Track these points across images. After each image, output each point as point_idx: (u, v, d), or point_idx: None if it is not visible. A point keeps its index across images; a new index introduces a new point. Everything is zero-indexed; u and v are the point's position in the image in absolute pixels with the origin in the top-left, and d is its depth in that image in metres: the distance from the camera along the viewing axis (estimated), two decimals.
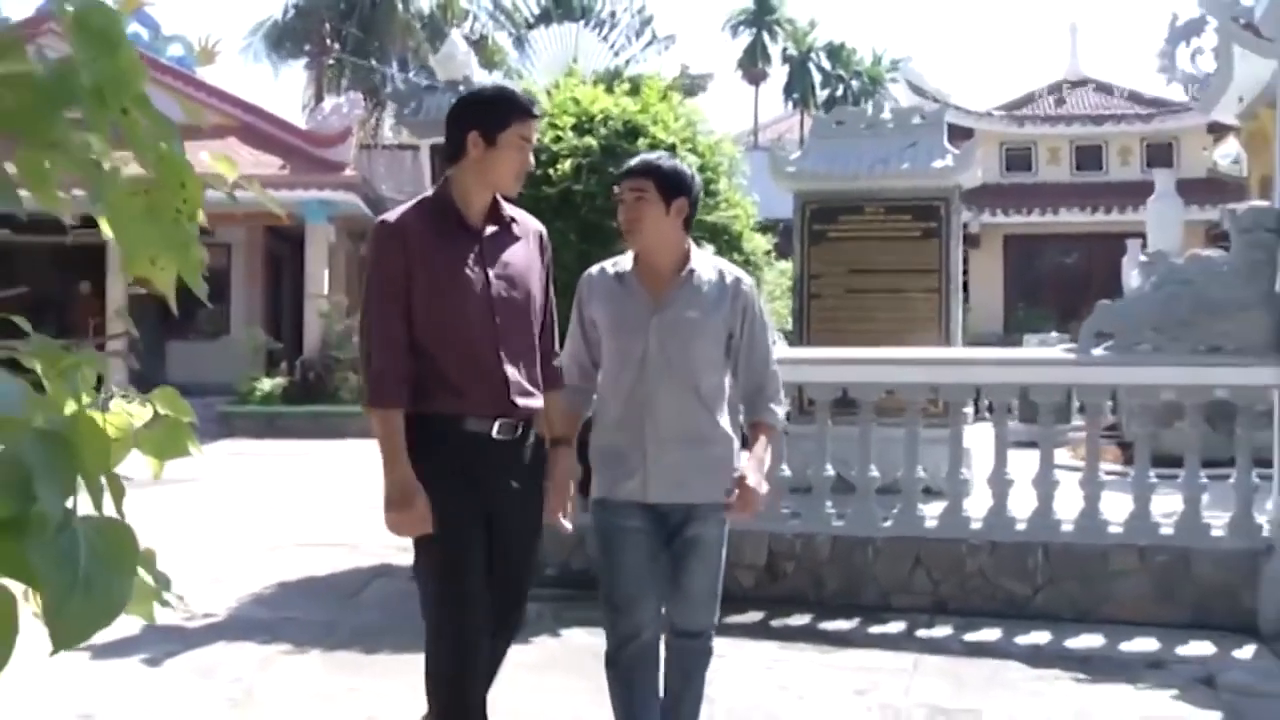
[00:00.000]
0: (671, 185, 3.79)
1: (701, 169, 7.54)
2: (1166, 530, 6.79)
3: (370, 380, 3.50)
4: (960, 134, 27.07)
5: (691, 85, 38.75)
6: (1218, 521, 6.82)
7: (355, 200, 21.57)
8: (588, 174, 7.35)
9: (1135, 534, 6.75)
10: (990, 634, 6.40)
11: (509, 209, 3.72)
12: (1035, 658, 5.96)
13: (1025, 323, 24.54)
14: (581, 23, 37.61)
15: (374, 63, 35.03)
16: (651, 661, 3.95)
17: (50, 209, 1.18)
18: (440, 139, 7.46)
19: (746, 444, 3.95)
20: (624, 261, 3.94)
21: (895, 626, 6.52)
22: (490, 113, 3.56)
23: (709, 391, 3.84)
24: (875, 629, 6.47)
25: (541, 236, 3.82)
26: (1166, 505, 6.92)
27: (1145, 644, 6.19)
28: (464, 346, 3.50)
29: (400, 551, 8.09)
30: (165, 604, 1.44)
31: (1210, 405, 7.10)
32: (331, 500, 11.61)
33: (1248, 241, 6.67)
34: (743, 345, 3.90)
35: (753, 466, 3.80)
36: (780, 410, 4.01)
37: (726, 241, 7.59)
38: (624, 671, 3.96)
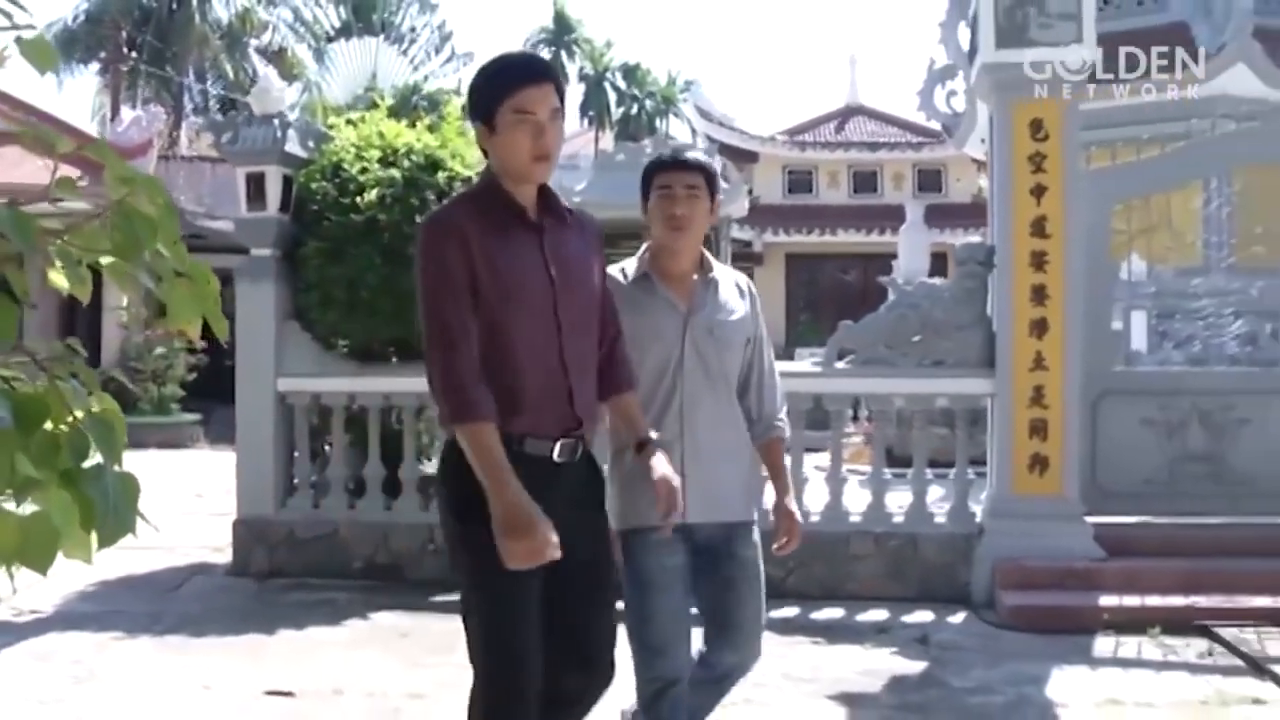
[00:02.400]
0: (715, 183, 3.64)
1: None
2: (898, 519, 7.87)
3: (451, 394, 3.01)
4: (745, 157, 28.55)
5: None
6: (940, 511, 7.94)
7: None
8: (392, 203, 8.05)
9: (872, 522, 7.80)
10: None
11: (563, 201, 3.31)
12: (785, 628, 6.86)
13: (805, 336, 25.91)
14: (381, 37, 37.81)
15: (169, 71, 34.60)
16: (684, 705, 3.61)
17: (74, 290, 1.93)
18: (255, 168, 8.19)
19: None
20: (632, 265, 3.66)
21: None
22: (481, 97, 3.15)
23: (737, 401, 3.68)
24: None
25: (599, 231, 3.40)
26: (904, 498, 8.00)
27: (877, 614, 7.22)
28: (527, 356, 3.10)
29: (214, 551, 8.74)
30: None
31: (956, 412, 8.17)
32: (140, 507, 11.95)
33: (963, 272, 7.81)
34: (756, 353, 3.72)
35: (790, 494, 3.70)
36: (787, 423, 3.88)
37: None
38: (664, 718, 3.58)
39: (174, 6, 35.78)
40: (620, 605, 3.45)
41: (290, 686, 5.62)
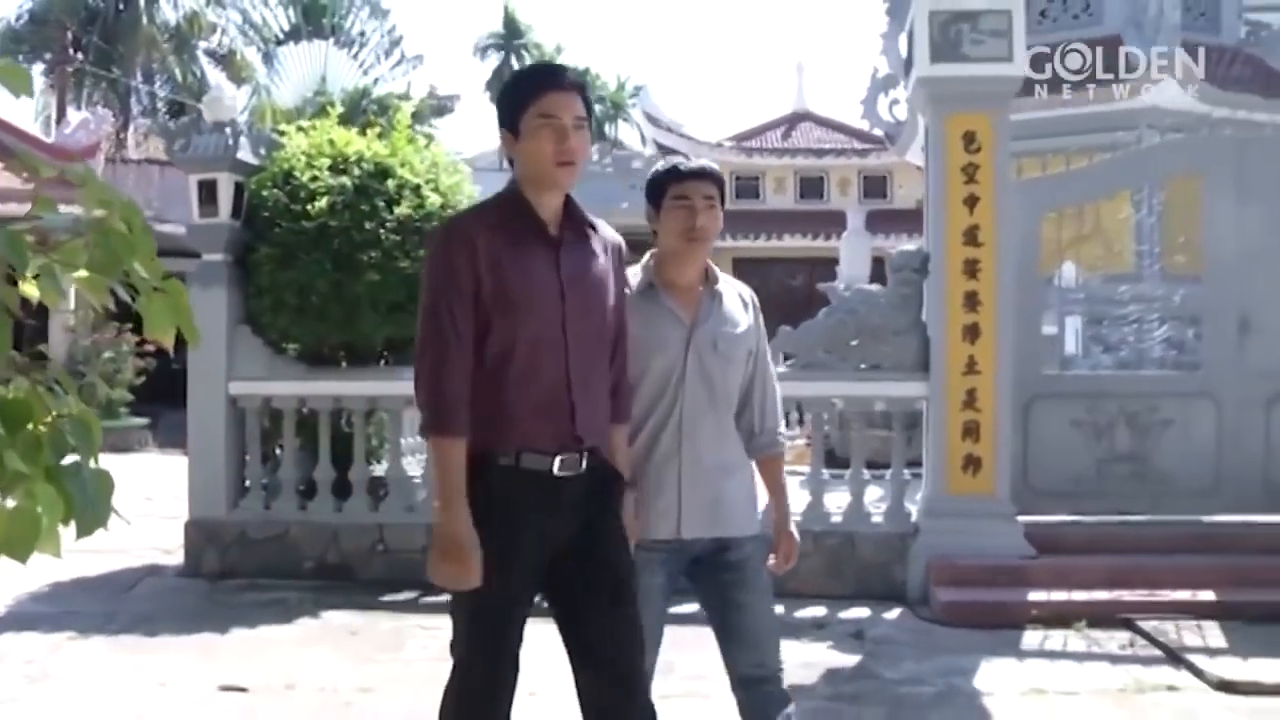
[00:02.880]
0: (723, 192, 3.59)
1: (443, 207, 8.55)
2: (837, 519, 8.11)
3: (432, 405, 3.04)
4: None
5: (439, 106, 39.35)
6: (877, 511, 8.20)
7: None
8: (342, 210, 8.20)
9: (811, 522, 8.01)
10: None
11: (588, 216, 3.29)
12: None
13: None
14: (331, 41, 37.70)
15: (116, 73, 34.38)
16: None
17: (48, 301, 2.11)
18: (207, 175, 8.31)
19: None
20: (636, 274, 3.56)
21: None
22: (507, 103, 3.16)
23: (736, 415, 3.61)
24: None
25: (620, 250, 3.37)
26: (843, 499, 8.23)
27: (815, 611, 7.44)
28: (529, 369, 3.08)
29: (165, 553, 8.85)
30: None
31: (893, 415, 8.41)
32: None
33: (899, 279, 8.06)
34: (758, 366, 3.65)
35: (787, 512, 3.67)
36: (784, 438, 3.81)
37: None
38: None
39: (120, 7, 35.50)
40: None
41: (244, 682, 5.77)
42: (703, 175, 3.52)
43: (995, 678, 6.01)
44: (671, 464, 3.43)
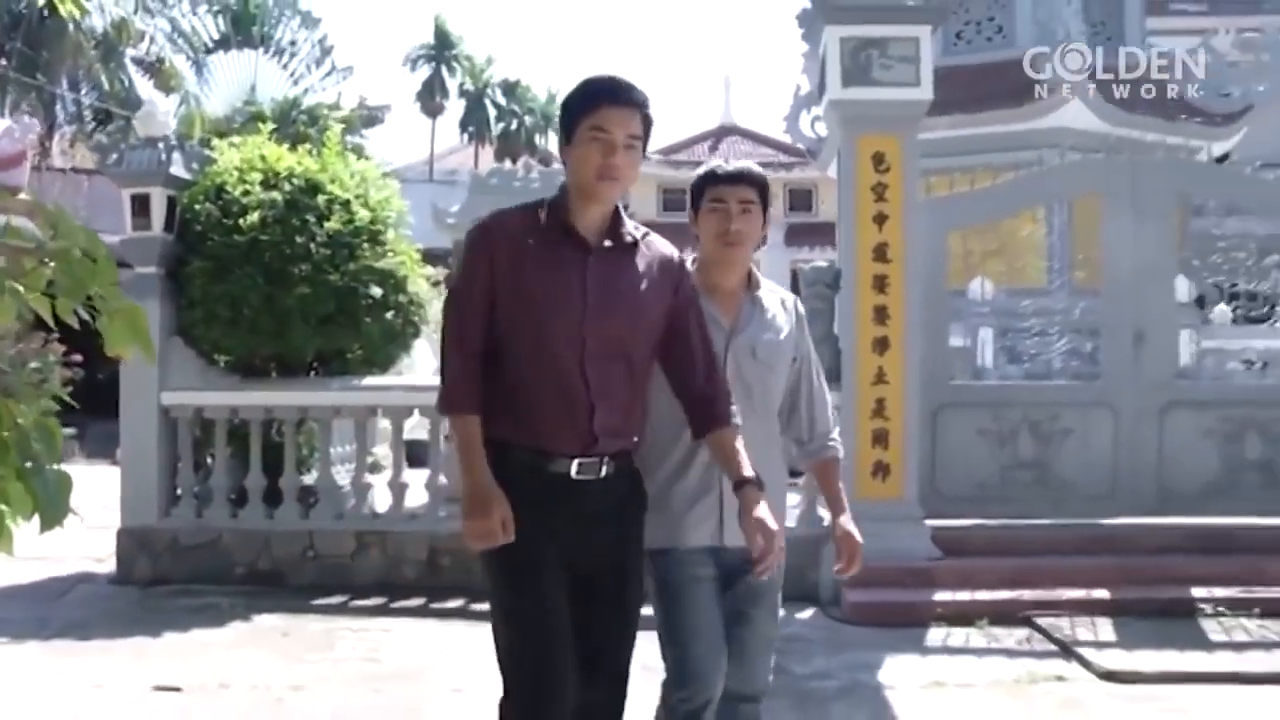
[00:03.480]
0: (766, 197, 3.54)
1: (372, 222, 8.80)
2: None
3: (442, 388, 3.16)
4: None
5: (370, 116, 39.39)
6: (791, 516, 8.51)
7: (31, 226, 21.47)
8: (273, 224, 8.43)
9: None
10: None
11: (639, 229, 3.29)
12: (645, 624, 7.36)
13: None
14: (261, 50, 37.59)
15: (41, 80, 34.05)
16: None
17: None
18: (140, 189, 8.48)
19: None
20: None
21: None
22: (565, 111, 3.19)
23: (778, 422, 3.57)
24: None
25: (675, 262, 3.31)
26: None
27: None
28: (544, 371, 3.10)
29: (96, 561, 8.99)
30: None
31: None
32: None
33: (811, 293, 8.38)
34: (804, 372, 3.58)
35: (847, 514, 3.56)
36: (840, 442, 3.69)
37: (393, 284, 8.84)
38: None
39: (45, 14, 35.18)
40: (649, 627, 3.38)
41: (178, 682, 5.97)
42: (739, 179, 3.48)
43: (898, 672, 6.34)
44: (713, 471, 3.35)
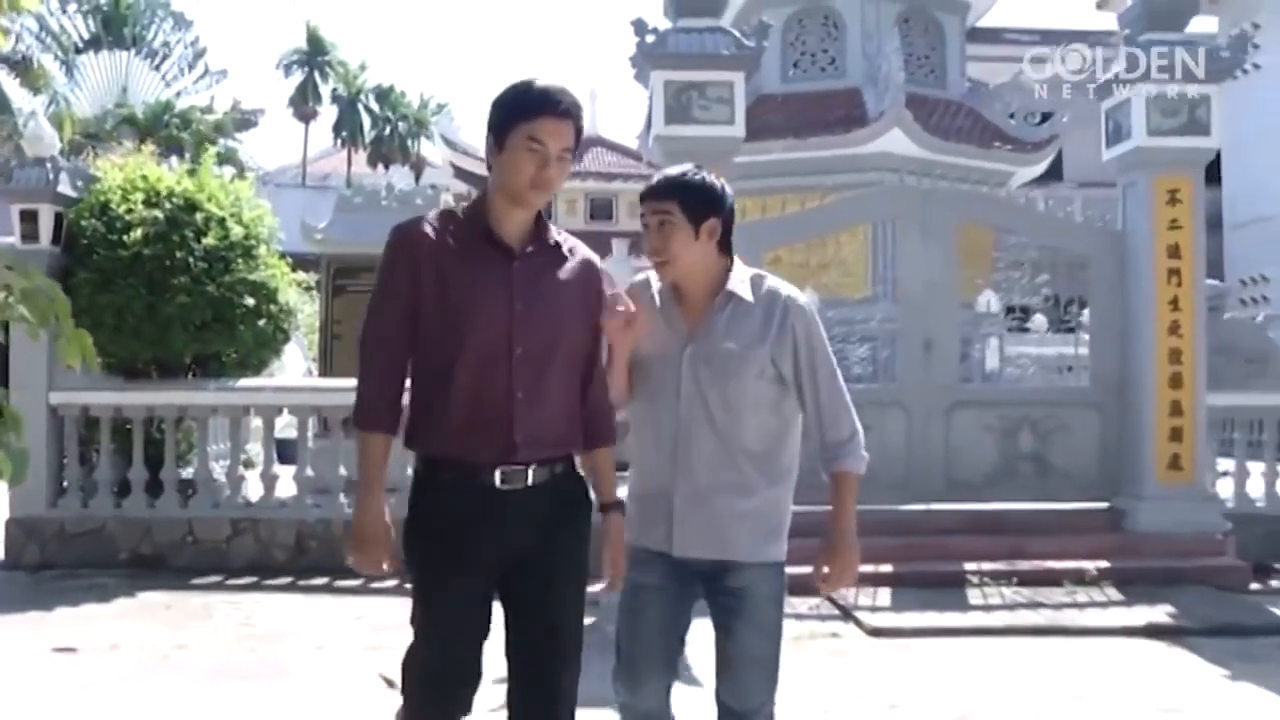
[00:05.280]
0: (699, 204, 3.30)
1: (246, 238, 9.70)
2: None
3: (358, 399, 3.12)
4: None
5: (243, 120, 39.63)
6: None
7: None
8: (155, 239, 9.30)
9: None
10: None
11: (562, 235, 3.25)
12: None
13: None
14: (133, 51, 37.65)
15: None
16: None
17: None
18: (29, 206, 9.25)
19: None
20: (654, 281, 3.46)
21: (391, 582, 8.78)
22: (498, 113, 3.12)
23: (756, 434, 3.36)
24: (375, 584, 8.70)
25: (595, 269, 3.28)
26: None
27: None
28: (471, 381, 3.04)
29: None
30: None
31: None
32: None
33: None
34: (802, 377, 3.37)
35: (839, 531, 3.58)
36: (861, 450, 3.58)
37: (265, 295, 9.75)
38: None
39: None
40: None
41: (74, 645, 6.83)
42: (652, 194, 3.35)
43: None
44: (666, 479, 3.33)
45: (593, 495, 3.31)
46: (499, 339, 3.06)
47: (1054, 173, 20.45)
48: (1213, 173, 29.04)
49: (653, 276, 3.44)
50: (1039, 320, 17.07)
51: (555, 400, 3.15)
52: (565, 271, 3.21)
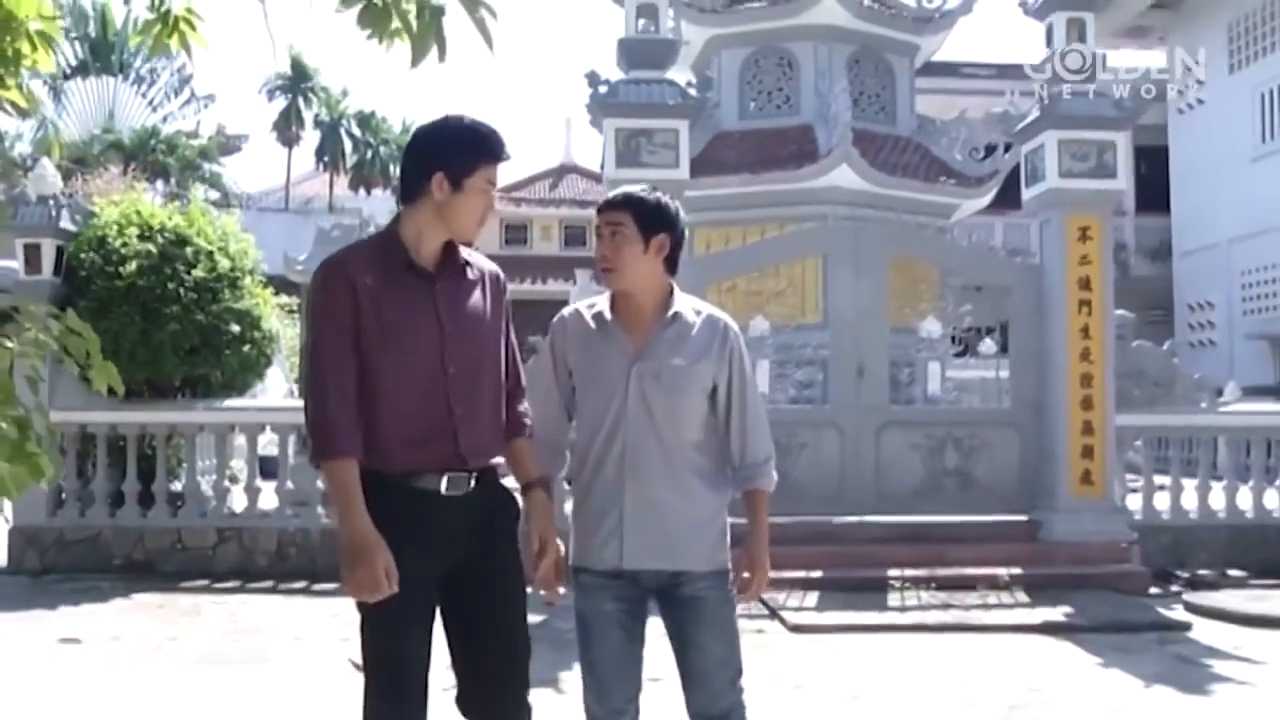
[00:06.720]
0: (652, 219, 3.40)
1: (232, 269, 10.54)
2: None
3: (319, 430, 3.14)
4: None
5: (228, 144, 40.36)
6: None
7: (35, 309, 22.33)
8: (148, 271, 10.14)
9: None
10: None
11: (464, 252, 3.35)
12: None
13: None
14: (120, 77, 38.34)
15: None
16: None
17: None
18: (32, 240, 10.08)
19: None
20: (602, 302, 3.54)
21: None
22: (458, 154, 3.21)
23: (696, 448, 3.45)
24: None
25: (499, 279, 3.44)
26: None
27: None
28: (412, 398, 3.17)
29: None
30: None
31: None
32: None
33: None
34: (732, 399, 3.47)
35: (757, 542, 3.52)
36: (773, 471, 3.59)
37: (250, 322, 10.59)
38: None
39: None
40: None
41: (78, 636, 7.64)
42: (608, 205, 3.46)
43: None
44: (615, 494, 3.39)
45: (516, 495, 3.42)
46: (433, 360, 3.19)
47: (1013, 201, 21.30)
48: (1162, 203, 30.35)
49: (583, 306, 3.57)
50: (988, 345, 17.90)
51: (487, 411, 3.30)
52: (478, 289, 3.36)
